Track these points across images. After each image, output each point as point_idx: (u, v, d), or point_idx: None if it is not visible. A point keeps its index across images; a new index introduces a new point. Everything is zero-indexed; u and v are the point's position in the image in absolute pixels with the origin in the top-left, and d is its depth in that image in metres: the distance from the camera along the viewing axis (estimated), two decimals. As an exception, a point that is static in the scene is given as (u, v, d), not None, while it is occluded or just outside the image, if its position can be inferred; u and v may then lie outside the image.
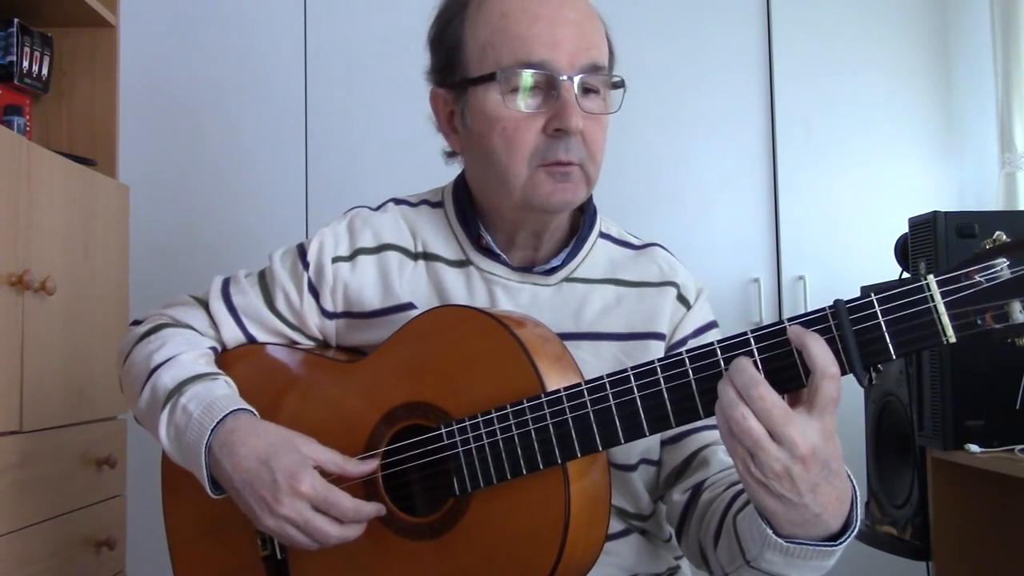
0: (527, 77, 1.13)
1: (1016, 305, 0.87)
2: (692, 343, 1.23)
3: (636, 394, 0.99)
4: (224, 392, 1.16)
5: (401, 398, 1.12)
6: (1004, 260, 0.88)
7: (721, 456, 1.18)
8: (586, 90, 1.16)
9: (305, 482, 1.07)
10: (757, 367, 0.92)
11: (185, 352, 1.21)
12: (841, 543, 0.96)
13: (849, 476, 0.95)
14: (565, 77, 1.13)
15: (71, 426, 1.91)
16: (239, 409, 1.13)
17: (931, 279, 0.90)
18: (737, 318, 2.65)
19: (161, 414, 1.15)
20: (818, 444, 0.90)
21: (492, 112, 1.15)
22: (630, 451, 1.18)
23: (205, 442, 1.10)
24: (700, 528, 1.15)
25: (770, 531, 0.95)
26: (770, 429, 0.90)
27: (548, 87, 1.14)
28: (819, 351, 0.90)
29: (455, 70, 1.19)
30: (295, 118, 2.72)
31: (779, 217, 2.71)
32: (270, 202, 2.70)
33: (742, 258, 2.71)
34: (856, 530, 0.96)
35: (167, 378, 1.17)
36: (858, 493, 0.96)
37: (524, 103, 1.14)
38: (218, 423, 1.11)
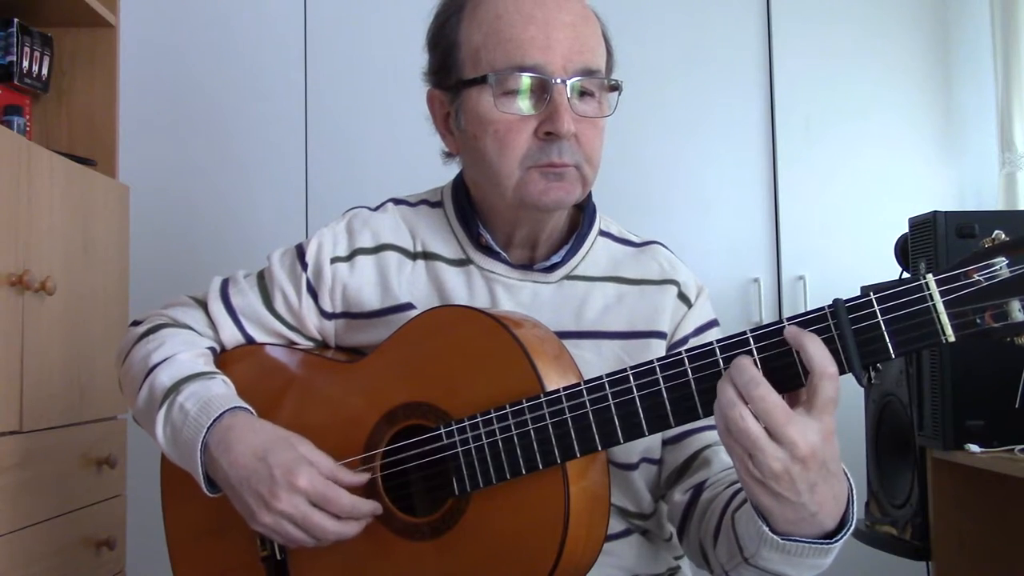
0: (520, 80, 1.13)
1: (1015, 304, 0.87)
2: (693, 342, 1.23)
3: (635, 394, 0.99)
4: (221, 391, 1.16)
5: (400, 398, 1.12)
6: (1003, 259, 0.88)
7: (723, 456, 1.18)
8: (582, 93, 1.15)
9: (303, 477, 1.06)
10: (756, 366, 0.92)
11: (183, 352, 1.21)
12: (836, 541, 0.96)
13: (846, 474, 0.95)
14: (558, 80, 1.12)
15: (71, 426, 1.91)
16: (236, 407, 1.13)
17: (930, 278, 0.89)
18: (737, 318, 2.65)
19: (158, 413, 1.16)
20: (818, 445, 0.90)
21: (485, 115, 1.15)
22: (631, 450, 1.18)
23: (201, 439, 1.10)
24: (701, 527, 1.15)
25: (766, 528, 0.95)
26: (771, 429, 0.89)
27: (541, 90, 1.13)
28: (816, 351, 0.90)
29: (450, 71, 1.19)
30: (295, 118, 2.72)
31: (779, 217, 2.71)
32: (270, 202, 2.70)
33: (742, 258, 2.71)
34: (852, 528, 0.96)
35: (164, 377, 1.17)
36: (854, 491, 0.96)
37: (516, 106, 1.14)
38: (215, 421, 1.11)
